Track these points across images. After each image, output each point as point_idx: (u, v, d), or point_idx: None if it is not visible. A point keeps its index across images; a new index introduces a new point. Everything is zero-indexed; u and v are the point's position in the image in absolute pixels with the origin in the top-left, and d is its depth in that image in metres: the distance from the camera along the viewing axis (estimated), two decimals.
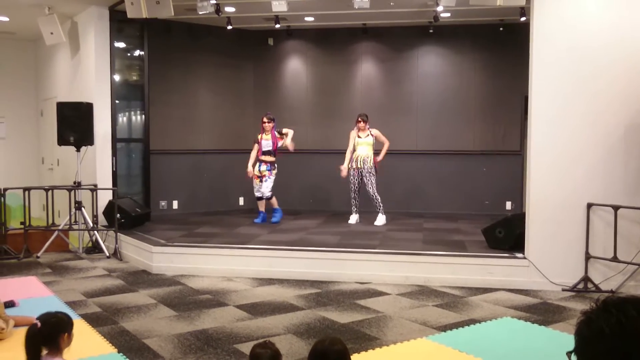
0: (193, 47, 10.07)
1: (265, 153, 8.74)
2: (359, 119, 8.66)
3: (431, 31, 9.83)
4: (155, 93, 9.64)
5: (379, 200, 8.70)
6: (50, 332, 2.97)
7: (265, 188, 8.74)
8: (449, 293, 6.13)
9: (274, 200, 8.84)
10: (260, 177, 8.76)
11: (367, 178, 8.63)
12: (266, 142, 8.73)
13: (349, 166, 8.73)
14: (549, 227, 6.32)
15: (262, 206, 8.96)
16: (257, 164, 8.80)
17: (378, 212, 8.74)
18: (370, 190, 8.64)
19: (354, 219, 8.89)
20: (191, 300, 5.86)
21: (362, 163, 8.62)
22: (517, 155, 9.78)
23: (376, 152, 8.73)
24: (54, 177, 10.40)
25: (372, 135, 8.67)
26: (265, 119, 8.76)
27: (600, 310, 1.27)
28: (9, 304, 5.27)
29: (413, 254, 6.71)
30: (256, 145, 8.81)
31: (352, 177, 8.75)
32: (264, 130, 8.77)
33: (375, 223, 8.66)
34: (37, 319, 3.08)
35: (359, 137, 8.67)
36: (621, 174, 6.18)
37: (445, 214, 9.85)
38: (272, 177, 8.76)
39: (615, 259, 6.09)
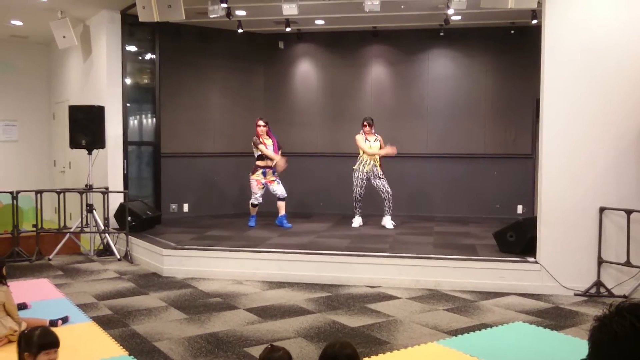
0: (204, 50, 10.11)
1: (266, 158, 8.69)
2: (365, 123, 8.63)
3: (442, 34, 9.82)
4: (166, 96, 9.69)
5: (391, 202, 8.69)
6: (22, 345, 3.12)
7: (281, 190, 8.74)
8: (459, 297, 6.10)
9: (284, 205, 8.84)
10: (266, 184, 8.75)
11: (380, 181, 8.59)
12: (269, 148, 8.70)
13: (358, 168, 8.67)
14: (561, 231, 6.27)
15: (254, 212, 8.95)
16: (261, 171, 8.73)
17: (386, 214, 8.72)
18: (390, 190, 8.61)
19: (357, 222, 8.86)
20: (201, 303, 5.87)
21: (372, 167, 8.58)
22: (528, 158, 9.73)
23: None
24: (66, 180, 10.47)
25: (379, 140, 8.64)
26: (261, 122, 8.68)
27: (613, 315, 1.26)
28: (21, 306, 5.30)
29: (423, 258, 6.68)
30: (261, 146, 8.70)
31: (359, 181, 8.70)
32: (260, 135, 8.70)
33: (388, 226, 8.65)
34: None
35: (367, 140, 8.63)
36: (634, 177, 6.12)
37: (456, 217, 9.82)
38: (278, 179, 8.81)
39: (628, 263, 6.03)
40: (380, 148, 8.65)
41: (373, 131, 8.65)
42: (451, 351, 4.51)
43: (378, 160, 8.65)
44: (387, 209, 8.71)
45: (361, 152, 8.66)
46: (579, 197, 6.21)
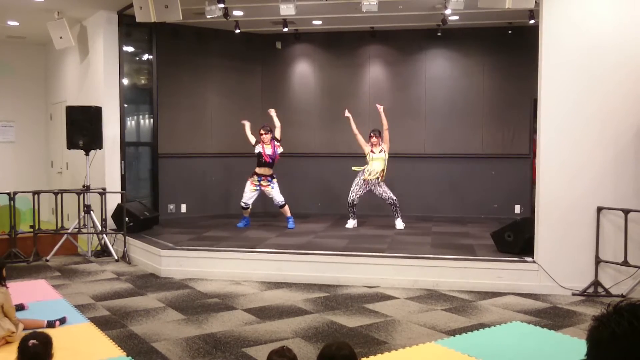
0: (201, 51, 10.10)
1: (264, 165, 8.67)
2: (372, 135, 8.59)
3: (439, 34, 9.83)
4: (163, 97, 9.67)
5: (398, 206, 8.69)
6: (46, 353, 3.13)
7: (277, 197, 8.73)
8: (457, 297, 6.10)
9: (287, 209, 8.83)
10: (259, 188, 8.74)
11: (382, 189, 8.59)
12: (267, 154, 8.66)
13: (361, 176, 8.66)
14: (559, 231, 6.28)
15: (246, 214, 8.95)
16: (257, 178, 8.74)
17: (397, 217, 8.74)
18: (391, 195, 8.62)
19: (351, 223, 8.84)
20: (199, 303, 5.86)
21: (374, 177, 8.55)
22: (526, 158, 9.74)
23: (392, 157, 8.72)
24: (63, 181, 10.45)
25: (384, 151, 8.59)
26: (262, 131, 8.67)
27: (611, 315, 1.26)
28: (19, 307, 5.29)
29: (422, 258, 6.68)
30: (255, 142, 8.72)
31: (356, 186, 8.68)
32: (262, 142, 8.68)
33: (398, 227, 8.67)
34: (33, 338, 3.15)
35: (372, 152, 8.59)
36: (631, 176, 6.13)
37: (454, 217, 9.82)
38: (276, 185, 8.77)
39: (625, 263, 6.04)
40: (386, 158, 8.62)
41: (380, 143, 8.61)
42: (449, 351, 4.51)
43: (382, 172, 8.58)
44: (394, 213, 8.72)
45: (366, 159, 8.64)
46: (576, 197, 6.21)
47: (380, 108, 8.62)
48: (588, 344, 1.28)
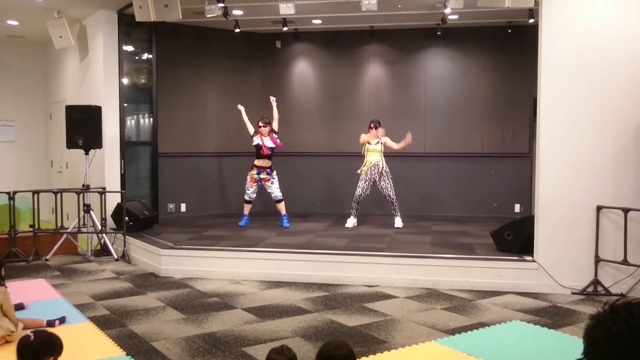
0: (201, 50, 10.09)
1: (263, 157, 8.70)
2: (372, 125, 8.59)
3: (439, 33, 9.82)
4: (163, 96, 9.67)
5: (397, 205, 8.70)
6: (38, 350, 3.07)
7: (276, 190, 8.77)
8: (457, 296, 6.10)
9: (283, 205, 8.84)
10: (259, 181, 8.78)
11: (386, 182, 8.59)
12: (267, 147, 8.70)
13: (363, 171, 8.66)
14: (559, 230, 6.27)
15: (247, 210, 8.97)
16: (256, 171, 8.78)
17: (395, 216, 8.75)
18: (392, 193, 8.63)
19: (351, 222, 8.83)
20: (199, 303, 5.87)
21: (375, 170, 8.57)
22: (526, 157, 9.74)
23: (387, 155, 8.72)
24: (63, 180, 10.46)
25: (381, 143, 8.61)
26: (261, 123, 8.68)
27: (607, 313, 1.27)
28: (18, 307, 5.29)
29: (421, 257, 6.68)
30: (253, 132, 8.76)
31: (362, 182, 8.67)
32: (261, 135, 8.71)
33: (397, 225, 8.68)
34: (32, 332, 3.13)
35: (369, 143, 8.61)
36: (631, 175, 6.13)
37: (453, 216, 9.82)
38: (276, 178, 8.81)
39: (625, 262, 6.04)
40: (384, 148, 8.62)
41: (378, 135, 8.60)
42: (449, 350, 4.52)
43: (382, 162, 8.59)
44: (393, 211, 8.73)
45: (362, 151, 8.66)
46: (576, 196, 6.21)
47: (409, 137, 8.54)
48: (585, 343, 1.29)
